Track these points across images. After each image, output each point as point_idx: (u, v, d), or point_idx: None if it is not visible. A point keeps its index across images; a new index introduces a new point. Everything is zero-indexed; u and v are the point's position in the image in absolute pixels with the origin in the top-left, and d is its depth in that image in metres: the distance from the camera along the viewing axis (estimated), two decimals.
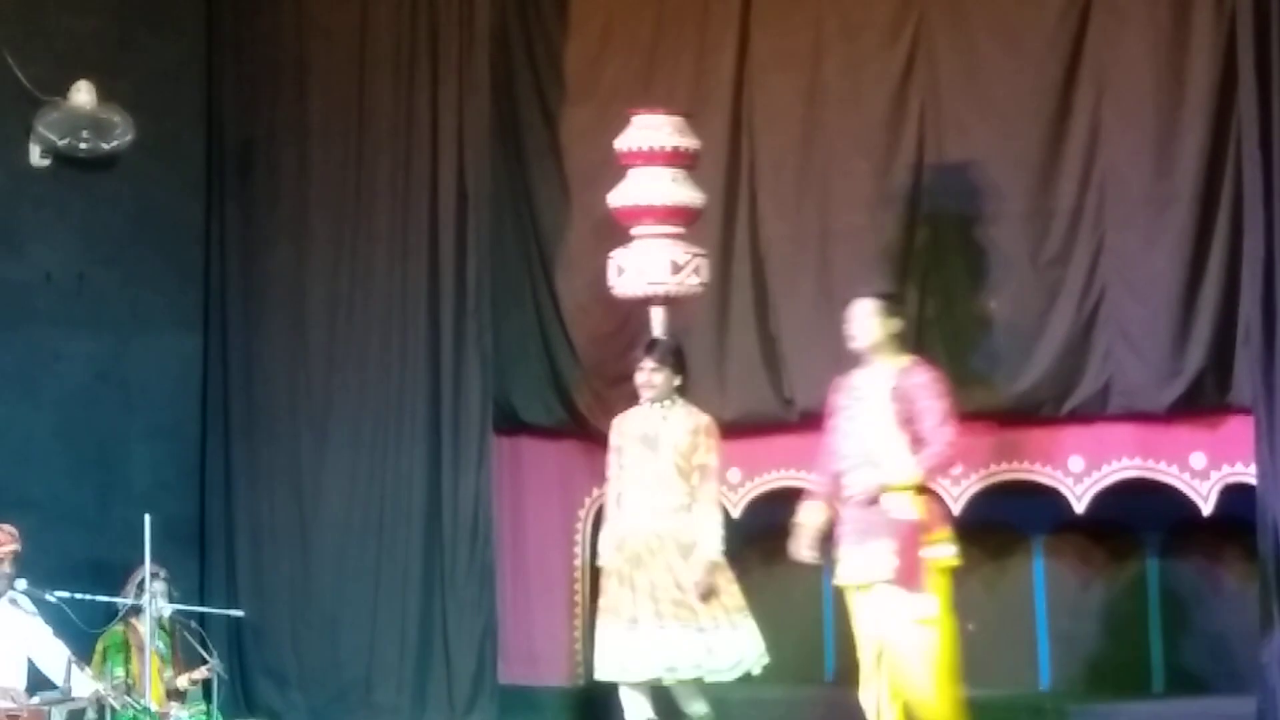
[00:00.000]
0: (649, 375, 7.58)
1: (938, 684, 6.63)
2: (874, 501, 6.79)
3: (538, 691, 8.95)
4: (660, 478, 7.48)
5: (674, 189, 8.10)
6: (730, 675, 7.41)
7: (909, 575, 6.59)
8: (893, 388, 6.87)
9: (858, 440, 6.91)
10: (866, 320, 6.99)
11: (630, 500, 7.56)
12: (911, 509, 6.70)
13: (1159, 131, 7.70)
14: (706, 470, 7.53)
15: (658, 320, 8.16)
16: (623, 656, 7.43)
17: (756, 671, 7.48)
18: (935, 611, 6.63)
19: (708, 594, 7.34)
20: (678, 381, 7.61)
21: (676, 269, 8.08)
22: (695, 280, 8.16)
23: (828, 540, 7.08)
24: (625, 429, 7.68)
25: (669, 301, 8.18)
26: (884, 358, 6.99)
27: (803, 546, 7.05)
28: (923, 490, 6.79)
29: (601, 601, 7.59)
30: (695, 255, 8.17)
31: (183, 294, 9.90)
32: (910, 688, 6.67)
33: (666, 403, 7.59)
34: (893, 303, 7.15)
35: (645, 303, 8.21)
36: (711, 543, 7.39)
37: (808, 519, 7.08)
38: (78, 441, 9.34)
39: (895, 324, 7.08)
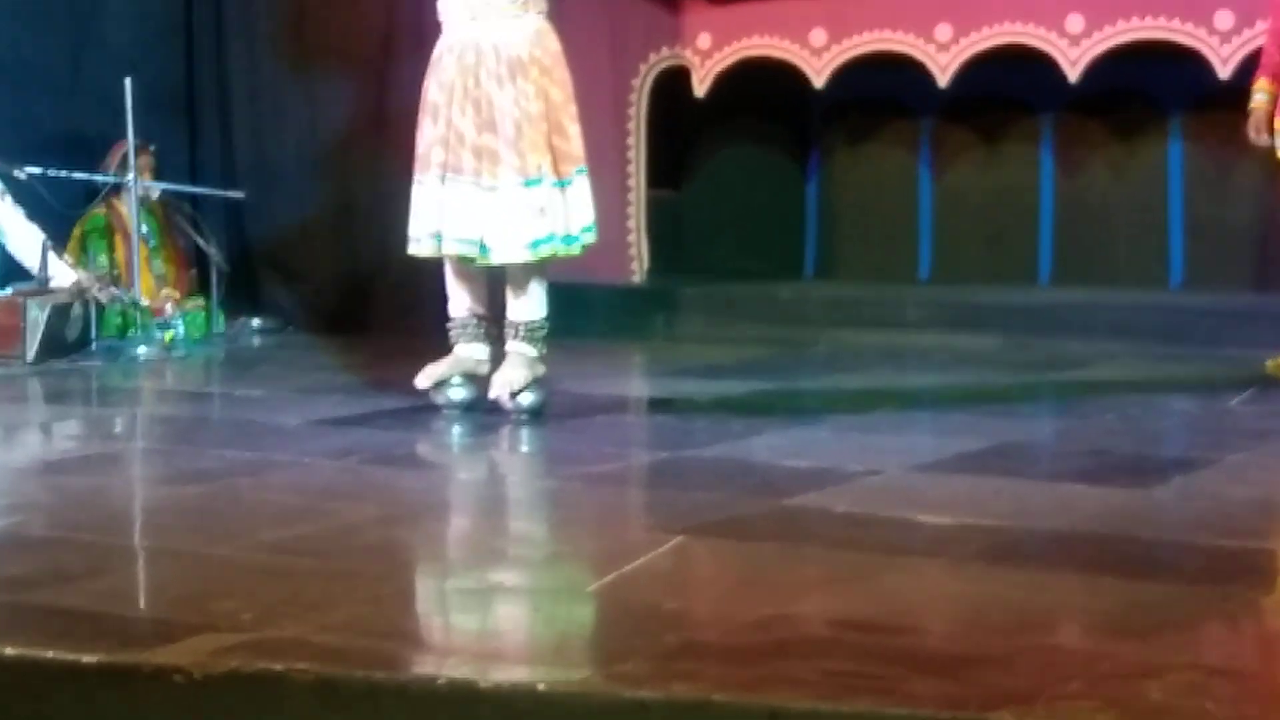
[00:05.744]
0: None
1: None
2: None
3: (588, 290, 7.95)
4: None
5: None
6: (539, 253, 5.70)
7: None
8: None
9: None
10: None
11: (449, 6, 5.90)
12: None
13: None
14: None
15: None
16: (421, 222, 5.83)
17: (575, 252, 5.82)
18: None
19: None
20: None
21: None
22: None
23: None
24: None
25: None
26: None
27: (1255, 129, 6.76)
28: None
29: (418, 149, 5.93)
30: None
31: None
32: None
33: None
34: None
35: None
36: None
37: (1259, 102, 6.77)
38: None
39: None
